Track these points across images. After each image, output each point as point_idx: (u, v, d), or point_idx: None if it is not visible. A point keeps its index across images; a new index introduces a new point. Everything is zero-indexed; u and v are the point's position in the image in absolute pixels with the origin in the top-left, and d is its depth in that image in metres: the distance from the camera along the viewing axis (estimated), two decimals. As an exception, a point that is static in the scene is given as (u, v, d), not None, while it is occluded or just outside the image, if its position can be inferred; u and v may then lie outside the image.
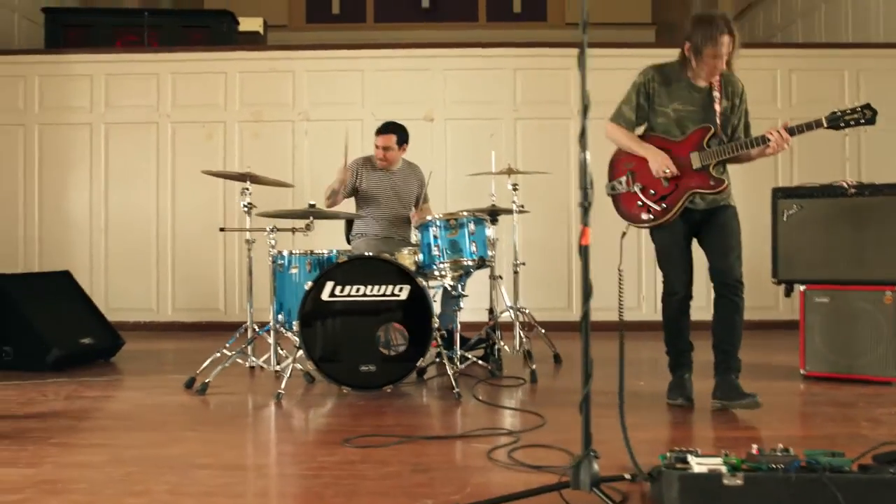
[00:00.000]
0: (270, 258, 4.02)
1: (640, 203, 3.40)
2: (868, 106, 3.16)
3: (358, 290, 3.67)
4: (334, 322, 3.66)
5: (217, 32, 6.89)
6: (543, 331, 4.64)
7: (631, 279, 5.96)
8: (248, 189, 4.10)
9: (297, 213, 4.05)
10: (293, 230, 4.04)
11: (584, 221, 2.07)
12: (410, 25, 9.63)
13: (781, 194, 4.22)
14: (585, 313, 2.04)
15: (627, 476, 2.17)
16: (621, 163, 3.49)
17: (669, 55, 3.42)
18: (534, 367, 4.10)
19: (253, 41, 7.47)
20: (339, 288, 3.66)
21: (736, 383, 3.25)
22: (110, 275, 6.22)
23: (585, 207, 2.03)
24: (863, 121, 3.14)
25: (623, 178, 3.44)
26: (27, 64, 6.19)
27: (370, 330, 3.64)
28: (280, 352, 4.07)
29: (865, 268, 4.01)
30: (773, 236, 4.19)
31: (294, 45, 6.97)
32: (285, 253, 4.15)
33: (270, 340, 4.03)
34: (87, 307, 4.86)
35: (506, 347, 4.46)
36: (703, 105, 3.35)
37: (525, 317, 4.57)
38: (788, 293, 4.26)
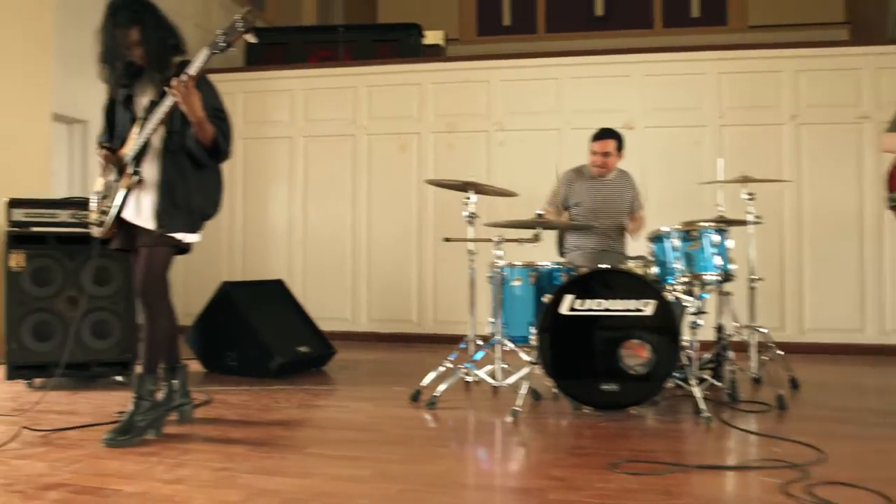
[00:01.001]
0: (495, 269, 3.90)
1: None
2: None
3: (599, 303, 3.48)
4: (574, 337, 3.49)
5: (405, 45, 6.96)
6: (782, 353, 4.27)
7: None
8: (470, 198, 4.00)
9: (526, 223, 3.91)
10: (519, 241, 3.90)
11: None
12: (583, 35, 9.40)
13: None
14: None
15: None
16: (903, 173, 3.13)
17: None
18: (781, 392, 3.75)
19: (435, 54, 7.49)
20: (578, 301, 3.49)
21: None
22: (308, 284, 6.35)
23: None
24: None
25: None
26: (232, 81, 6.46)
27: (612, 346, 3.44)
28: (504, 366, 3.95)
29: None
30: None
31: (488, 54, 6.91)
32: (502, 264, 4.05)
33: (495, 354, 3.91)
34: (300, 315, 4.94)
35: (738, 370, 4.13)
36: None
37: (762, 337, 4.22)
38: None
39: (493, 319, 4.27)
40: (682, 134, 5.87)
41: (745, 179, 4.19)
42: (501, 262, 3.91)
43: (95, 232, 3.11)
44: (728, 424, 3.31)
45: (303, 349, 4.67)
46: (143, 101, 3.02)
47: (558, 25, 9.78)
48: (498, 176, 6.11)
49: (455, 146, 6.25)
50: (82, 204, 4.16)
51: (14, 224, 4.10)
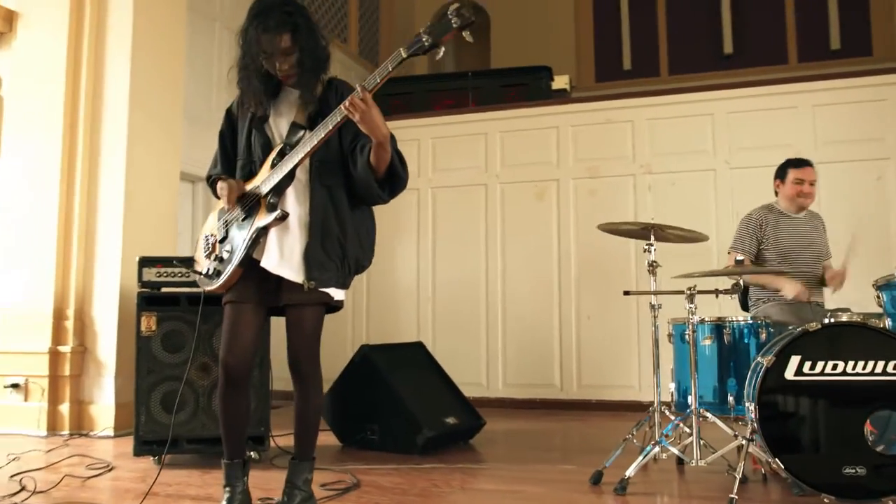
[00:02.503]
0: (689, 326, 3.30)
1: None
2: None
3: (836, 366, 2.82)
4: (805, 408, 2.84)
5: (534, 89, 6.56)
6: None
7: None
8: (651, 245, 3.45)
9: (721, 272, 3.31)
10: (717, 292, 3.29)
11: None
12: (710, 75, 8.80)
13: None
14: None
15: None
16: None
17: None
18: None
19: (560, 98, 7.05)
20: (808, 364, 2.84)
21: None
22: (438, 346, 5.84)
23: None
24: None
25: None
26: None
27: (856, 420, 2.77)
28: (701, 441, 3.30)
29: None
30: None
31: (630, 92, 6.39)
32: (695, 320, 3.45)
33: (691, 428, 3.27)
34: (445, 382, 4.43)
35: None
36: None
37: None
38: None
39: (673, 385, 3.70)
40: (860, 169, 5.15)
41: None
42: (695, 318, 3.29)
43: (207, 285, 2.54)
44: None
45: (450, 420, 4.13)
46: (280, 123, 2.54)
47: (682, 67, 9.21)
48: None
49: (597, 191, 5.71)
50: (215, 262, 3.83)
51: (146, 284, 3.78)
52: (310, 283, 2.41)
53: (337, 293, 2.52)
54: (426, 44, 2.18)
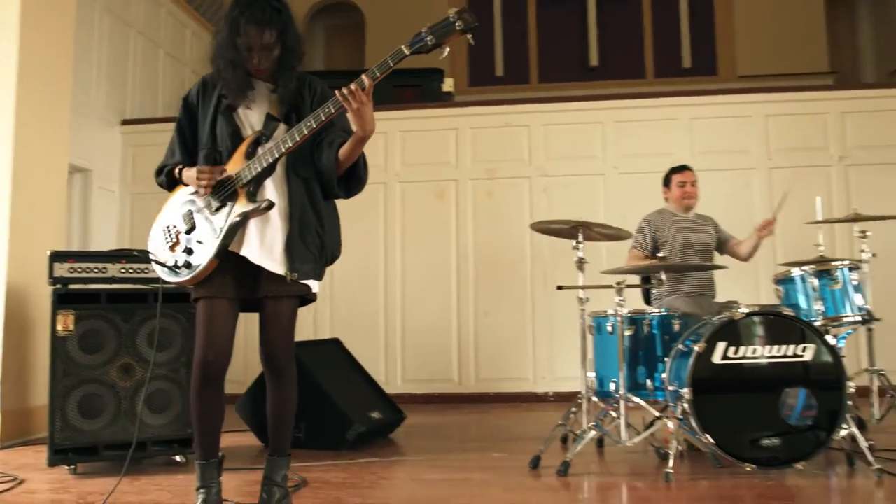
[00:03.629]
0: (619, 318, 3.56)
1: None
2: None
3: (755, 350, 3.17)
4: (729, 388, 3.16)
5: (428, 91, 6.67)
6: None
7: None
8: (581, 243, 3.67)
9: (647, 267, 3.59)
10: (642, 286, 3.57)
11: None
12: (576, 85, 9.34)
13: None
14: None
15: None
16: None
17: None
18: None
19: (450, 101, 7.24)
20: (732, 349, 3.17)
21: None
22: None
23: None
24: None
25: None
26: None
27: (772, 397, 3.12)
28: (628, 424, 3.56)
29: None
30: None
31: (530, 98, 6.66)
32: (610, 312, 3.74)
33: (617, 413, 3.53)
34: (364, 378, 4.45)
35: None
36: None
37: (882, 380, 3.97)
38: None
39: (591, 373, 3.94)
40: (730, 177, 5.71)
41: (858, 218, 3.99)
42: (623, 311, 3.56)
43: (173, 277, 2.42)
44: (900, 477, 3.02)
45: (375, 415, 4.17)
46: (250, 114, 2.47)
47: (552, 76, 9.70)
48: (544, 223, 5.83)
49: (494, 193, 5.93)
50: (132, 257, 3.64)
51: (58, 280, 3.52)
52: (293, 275, 2.38)
53: (314, 285, 2.51)
54: (429, 43, 2.23)
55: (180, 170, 2.53)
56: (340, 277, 5.94)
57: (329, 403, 3.94)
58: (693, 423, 3.14)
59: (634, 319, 3.74)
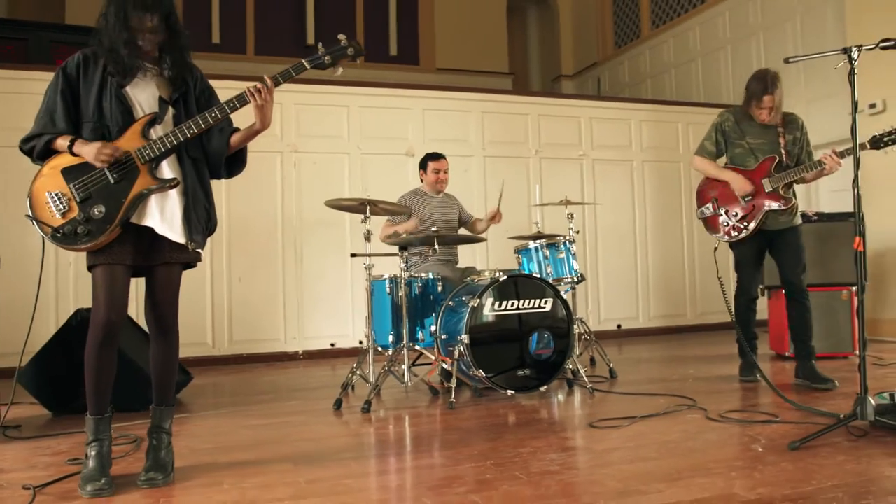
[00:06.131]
0: (402, 281, 4.29)
1: (725, 223, 4.29)
2: None
3: (512, 304, 4.13)
4: (494, 334, 4.08)
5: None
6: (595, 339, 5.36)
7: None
8: (368, 217, 4.32)
9: (420, 237, 4.37)
10: (424, 254, 4.34)
11: (857, 231, 2.93)
12: (291, 60, 9.77)
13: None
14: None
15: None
16: (706, 192, 4.38)
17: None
18: (611, 365, 4.83)
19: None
20: (497, 303, 4.10)
21: (815, 368, 4.19)
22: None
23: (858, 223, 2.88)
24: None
25: (709, 204, 4.32)
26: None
27: (524, 339, 4.12)
28: (398, 366, 4.34)
29: (828, 273, 5.34)
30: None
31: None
32: (387, 276, 4.48)
33: (396, 360, 4.29)
34: (148, 340, 4.58)
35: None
36: (770, 139, 4.22)
37: (582, 327, 5.24)
38: (764, 294, 5.44)
39: (367, 329, 4.63)
40: (453, 163, 6.73)
41: (568, 202, 5.19)
42: (406, 275, 4.30)
43: (69, 243, 2.57)
44: (604, 392, 4.24)
45: (169, 376, 4.38)
46: (138, 94, 2.68)
47: (268, 49, 10.00)
48: (291, 196, 6.33)
49: (249, 166, 6.21)
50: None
51: None
52: (192, 245, 2.71)
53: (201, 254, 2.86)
54: (326, 62, 2.76)
55: (72, 141, 2.64)
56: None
57: (129, 365, 4.09)
58: (469, 362, 4.02)
59: (409, 282, 4.51)
